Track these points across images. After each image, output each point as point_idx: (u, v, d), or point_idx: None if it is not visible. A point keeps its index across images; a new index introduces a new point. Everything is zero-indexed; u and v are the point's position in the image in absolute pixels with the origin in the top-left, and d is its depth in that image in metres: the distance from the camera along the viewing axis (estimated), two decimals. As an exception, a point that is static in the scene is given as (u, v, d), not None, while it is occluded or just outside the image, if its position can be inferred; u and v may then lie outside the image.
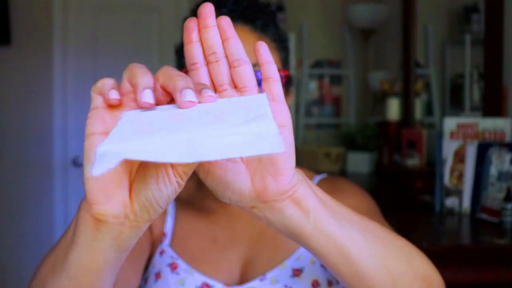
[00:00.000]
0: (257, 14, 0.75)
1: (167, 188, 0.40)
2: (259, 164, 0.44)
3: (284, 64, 0.76)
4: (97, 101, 0.41)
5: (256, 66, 0.70)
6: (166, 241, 0.78)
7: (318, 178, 0.83)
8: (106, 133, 0.40)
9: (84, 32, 2.90)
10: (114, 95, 0.40)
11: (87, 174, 0.39)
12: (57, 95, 2.84)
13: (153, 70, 0.39)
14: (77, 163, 2.86)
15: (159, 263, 0.76)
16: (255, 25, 0.74)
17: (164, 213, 0.81)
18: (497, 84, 1.77)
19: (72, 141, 2.88)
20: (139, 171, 0.41)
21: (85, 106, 2.70)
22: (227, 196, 0.45)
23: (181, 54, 0.79)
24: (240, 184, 0.44)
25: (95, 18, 2.92)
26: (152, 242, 0.79)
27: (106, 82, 0.40)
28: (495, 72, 1.76)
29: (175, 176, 0.40)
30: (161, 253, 0.77)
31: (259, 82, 0.69)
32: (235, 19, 0.73)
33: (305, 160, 2.76)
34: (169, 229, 0.79)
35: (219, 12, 0.73)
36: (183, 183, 0.41)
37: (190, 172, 0.41)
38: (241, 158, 0.44)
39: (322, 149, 2.80)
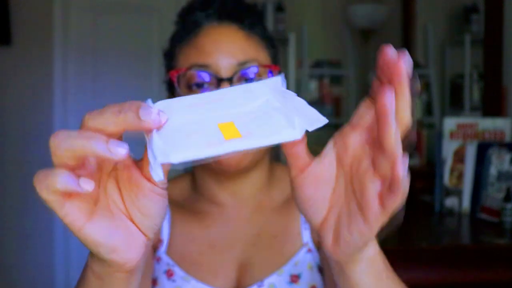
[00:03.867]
0: (244, 13, 0.75)
1: (160, 201, 0.39)
2: (347, 217, 0.40)
3: (274, 61, 0.77)
4: (53, 201, 0.37)
5: (245, 64, 0.70)
6: (163, 248, 0.76)
7: None
8: (92, 214, 0.37)
9: (84, 32, 2.90)
10: (89, 186, 0.35)
11: (106, 256, 0.38)
12: (57, 95, 2.84)
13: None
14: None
15: (156, 270, 0.75)
16: (242, 24, 0.74)
17: None
18: (496, 84, 1.77)
19: (72, 141, 2.87)
20: (129, 205, 0.40)
21: (85, 106, 2.70)
22: (302, 209, 0.42)
23: (169, 57, 0.79)
24: (315, 210, 0.41)
25: (95, 18, 2.92)
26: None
27: (60, 177, 0.35)
28: (495, 72, 1.76)
29: (155, 185, 0.39)
30: (158, 260, 0.76)
31: (250, 79, 0.69)
32: (222, 18, 0.73)
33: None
34: (165, 235, 0.77)
35: (205, 13, 0.74)
36: (164, 179, 0.39)
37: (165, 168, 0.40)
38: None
39: (322, 149, 2.80)
